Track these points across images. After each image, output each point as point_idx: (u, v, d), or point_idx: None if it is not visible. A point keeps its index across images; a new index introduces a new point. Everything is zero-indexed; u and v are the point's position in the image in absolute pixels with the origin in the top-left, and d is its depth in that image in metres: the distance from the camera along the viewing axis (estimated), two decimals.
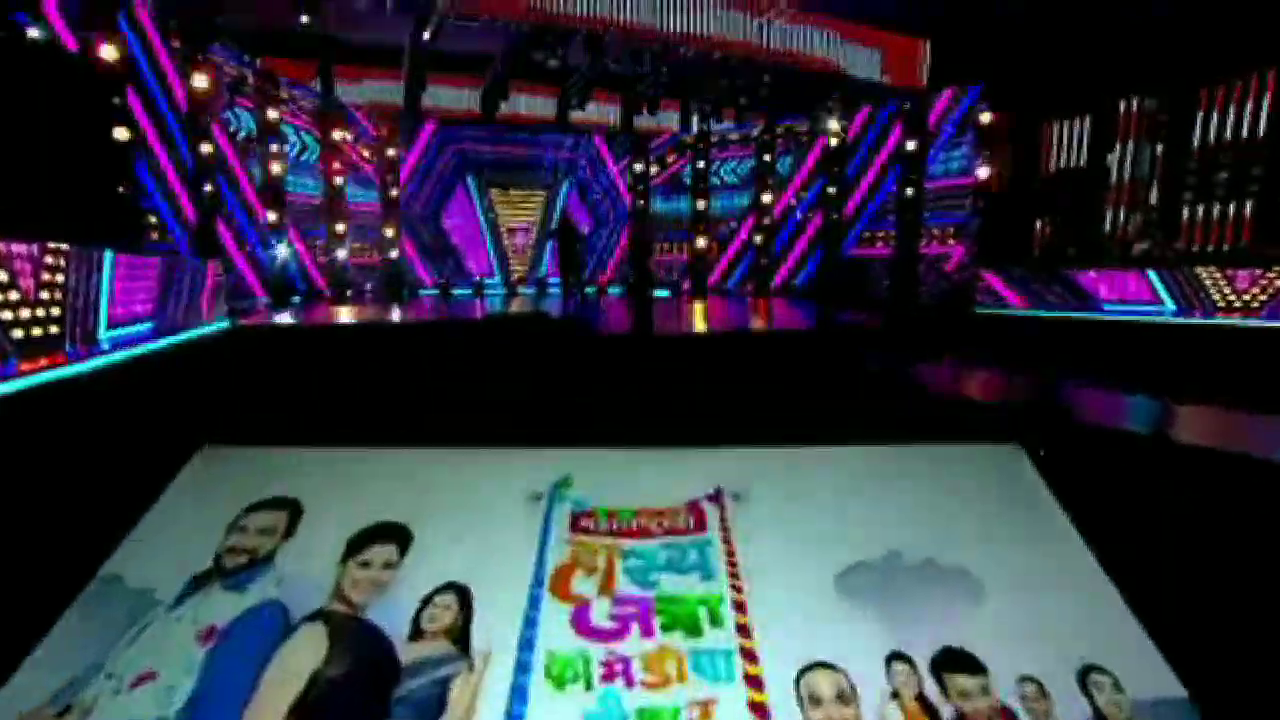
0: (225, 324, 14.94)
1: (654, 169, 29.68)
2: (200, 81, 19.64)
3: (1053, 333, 19.37)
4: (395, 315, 17.92)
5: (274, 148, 22.97)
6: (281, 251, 22.65)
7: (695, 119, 28.63)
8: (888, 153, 25.70)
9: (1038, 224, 23.53)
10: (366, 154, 26.59)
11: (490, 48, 24.93)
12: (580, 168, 28.73)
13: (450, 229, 28.34)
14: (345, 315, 17.85)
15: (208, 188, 20.24)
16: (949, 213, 24.32)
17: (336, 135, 25.52)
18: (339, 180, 25.36)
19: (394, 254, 26.96)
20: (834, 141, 26.85)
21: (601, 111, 28.57)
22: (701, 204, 27.93)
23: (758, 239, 27.80)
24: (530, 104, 28.28)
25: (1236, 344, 15.35)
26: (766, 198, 27.37)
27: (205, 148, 20.43)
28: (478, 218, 28.05)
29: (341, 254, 25.43)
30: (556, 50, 22.25)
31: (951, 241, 24.34)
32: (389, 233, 26.64)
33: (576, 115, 27.84)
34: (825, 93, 25.86)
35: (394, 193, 26.79)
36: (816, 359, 12.11)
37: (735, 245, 29.02)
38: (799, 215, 27.36)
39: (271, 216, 22.94)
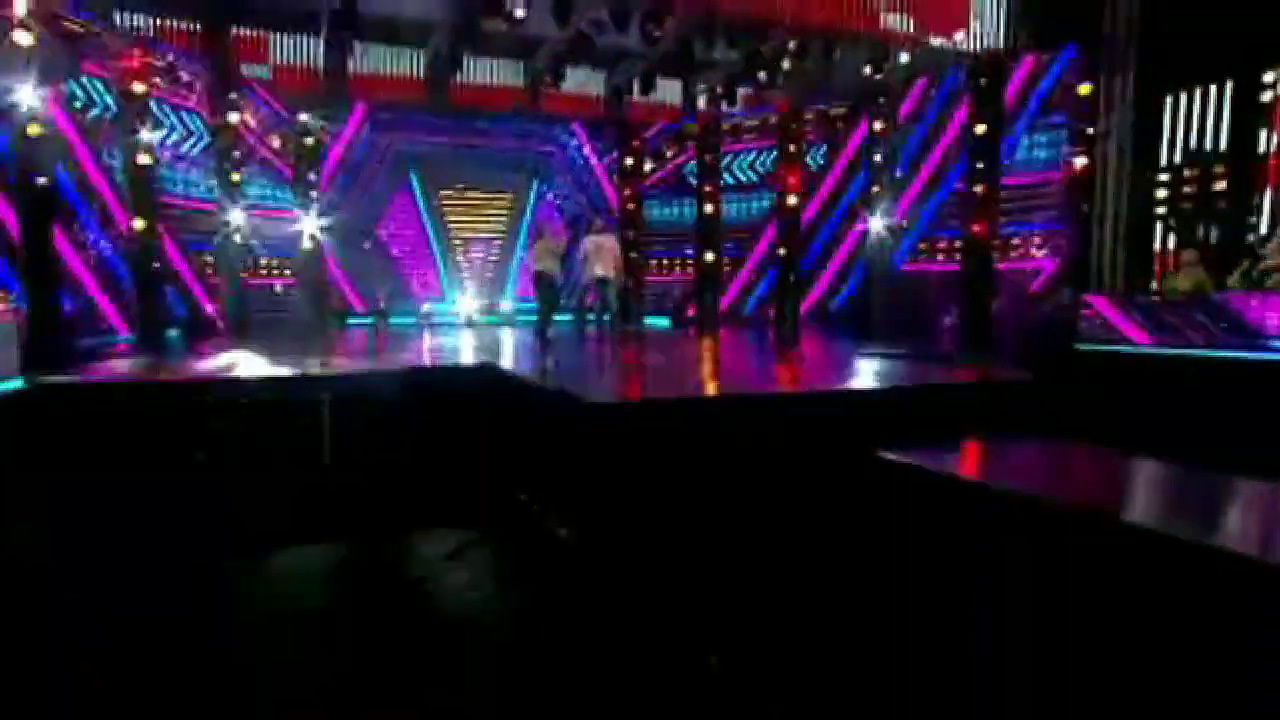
0: (18, 383, 10.12)
1: (648, 165, 24.69)
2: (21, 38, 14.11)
3: (1213, 380, 13.68)
4: (287, 361, 12.47)
5: (144, 133, 17.53)
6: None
7: (701, 99, 23.20)
8: (950, 138, 20.21)
9: (1158, 229, 17.97)
10: (277, 144, 21.12)
11: (435, 9, 19.63)
12: (554, 164, 24.36)
13: (388, 241, 22.87)
14: (215, 361, 12.60)
15: (41, 180, 14.75)
16: (1034, 216, 18.83)
17: (233, 118, 19.99)
18: (237, 177, 19.89)
19: (312, 275, 21.46)
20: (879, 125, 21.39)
21: (582, 89, 23.14)
22: (709, 208, 22.34)
23: (781, 251, 22.24)
24: (489, 81, 22.87)
25: None
26: (792, 200, 21.77)
27: (33, 128, 14.90)
28: (424, 227, 23.51)
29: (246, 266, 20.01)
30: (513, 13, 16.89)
31: (1038, 253, 18.81)
32: (307, 245, 21.15)
33: (551, 97, 22.49)
34: (869, 62, 20.38)
35: (314, 195, 21.32)
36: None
37: (753, 259, 23.53)
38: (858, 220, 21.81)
39: (138, 224, 17.48)
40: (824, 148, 22.95)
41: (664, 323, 24.03)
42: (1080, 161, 18.26)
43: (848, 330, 20.41)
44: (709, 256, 23.33)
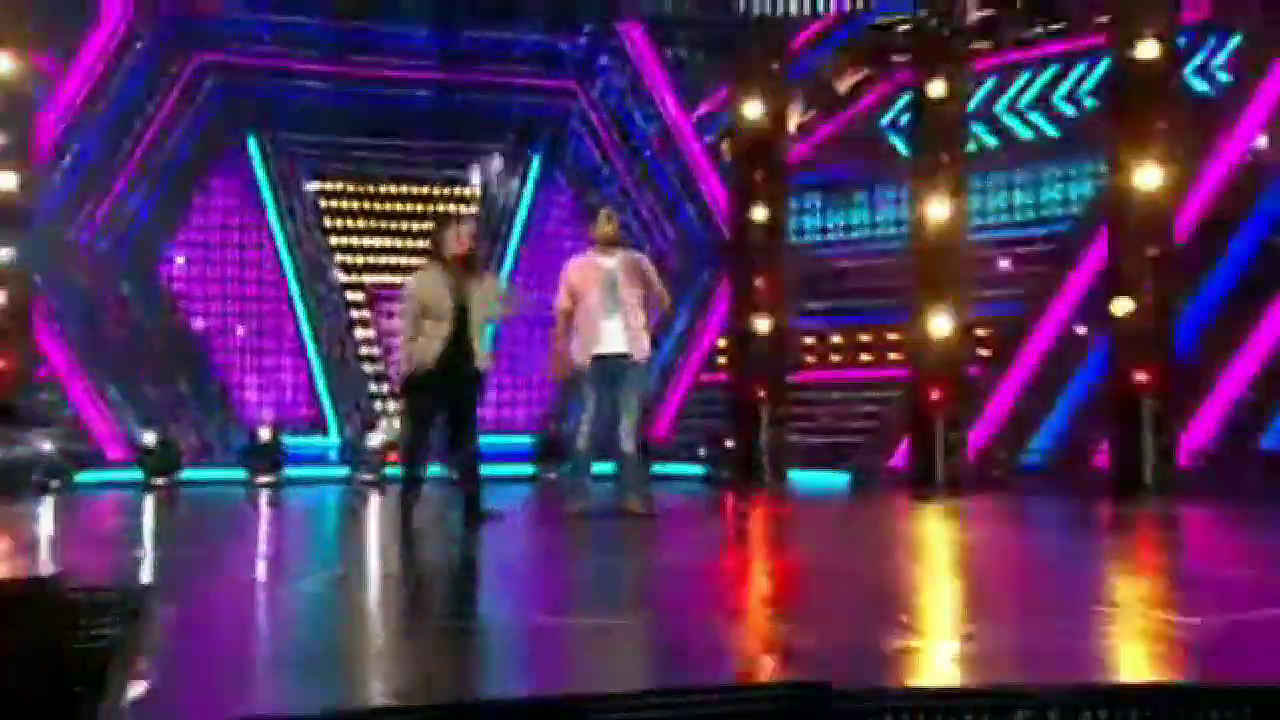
0: None
1: (795, 116, 13.60)
2: None
3: None
4: None
5: None
6: None
7: None
8: None
9: None
10: None
11: None
12: (575, 120, 15.43)
13: (179, 278, 14.28)
14: None
15: None
16: None
17: None
18: None
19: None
20: None
21: None
22: (940, 208, 11.34)
23: (1121, 306, 10.44)
24: None
25: None
26: (1146, 178, 8.72)
27: None
28: (277, 258, 14.26)
29: None
30: None
31: None
32: None
33: None
34: None
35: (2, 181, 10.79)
36: None
37: (1047, 327, 10.54)
38: None
39: None
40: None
41: (832, 480, 12.41)
42: None
43: None
44: (938, 327, 11.15)
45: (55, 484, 10.72)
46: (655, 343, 8.53)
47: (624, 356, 7.49)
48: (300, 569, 5.26)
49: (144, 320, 13.18)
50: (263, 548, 6.64)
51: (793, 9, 12.81)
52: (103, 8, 12.60)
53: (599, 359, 7.47)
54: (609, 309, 7.52)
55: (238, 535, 7.63)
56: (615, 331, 7.51)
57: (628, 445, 7.53)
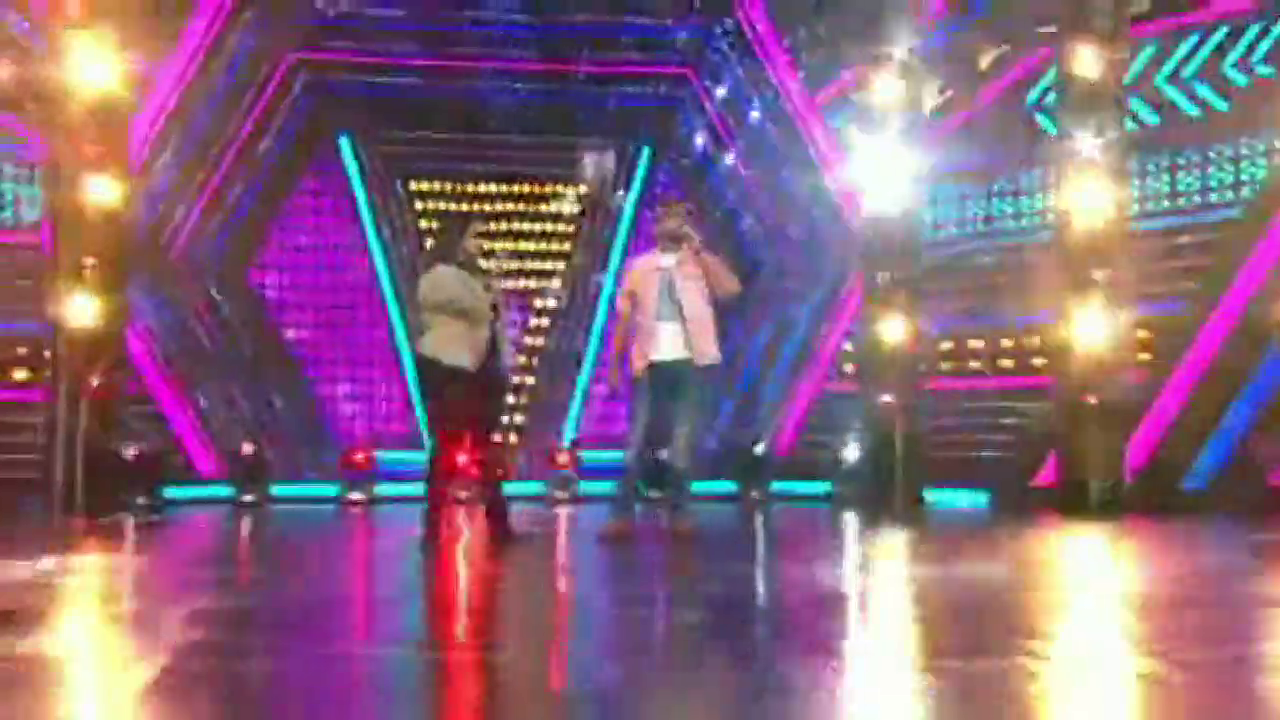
0: None
1: (936, 95, 12.49)
2: None
3: None
4: None
5: None
6: None
7: None
8: None
9: None
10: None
11: None
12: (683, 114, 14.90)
13: (271, 285, 13.92)
14: None
15: None
16: None
17: None
18: None
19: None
20: None
21: None
22: (1090, 197, 10.18)
23: None
24: None
25: None
26: None
27: None
28: (370, 264, 13.85)
29: None
30: None
31: None
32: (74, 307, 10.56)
33: None
34: None
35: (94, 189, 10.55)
36: None
37: (1216, 332, 9.49)
38: None
39: None
40: None
41: (969, 499, 11.50)
42: None
43: None
44: (1090, 329, 10.01)
45: (147, 499, 10.71)
46: (724, 340, 7.79)
47: (684, 362, 7.18)
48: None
49: (235, 329, 12.82)
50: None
51: None
52: (195, 12, 11.92)
53: (655, 365, 7.17)
54: (667, 313, 7.21)
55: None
56: (673, 335, 7.23)
57: (680, 461, 7.21)
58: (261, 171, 13.20)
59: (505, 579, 5.75)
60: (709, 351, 7.24)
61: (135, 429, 10.34)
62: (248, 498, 10.92)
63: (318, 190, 14.10)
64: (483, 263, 6.70)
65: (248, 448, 11.33)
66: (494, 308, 6.39)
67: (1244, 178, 10.47)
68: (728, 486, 12.12)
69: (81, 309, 10.25)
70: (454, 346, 6.13)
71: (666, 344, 7.24)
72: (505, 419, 11.22)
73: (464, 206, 13.93)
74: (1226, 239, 10.39)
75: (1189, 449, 10.59)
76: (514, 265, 13.07)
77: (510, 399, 11.77)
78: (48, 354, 10.11)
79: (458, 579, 5.94)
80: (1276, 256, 9.52)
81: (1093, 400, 10.13)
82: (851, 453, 11.70)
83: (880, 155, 11.63)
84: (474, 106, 13.53)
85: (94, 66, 10.47)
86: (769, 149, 13.87)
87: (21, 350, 10.89)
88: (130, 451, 9.76)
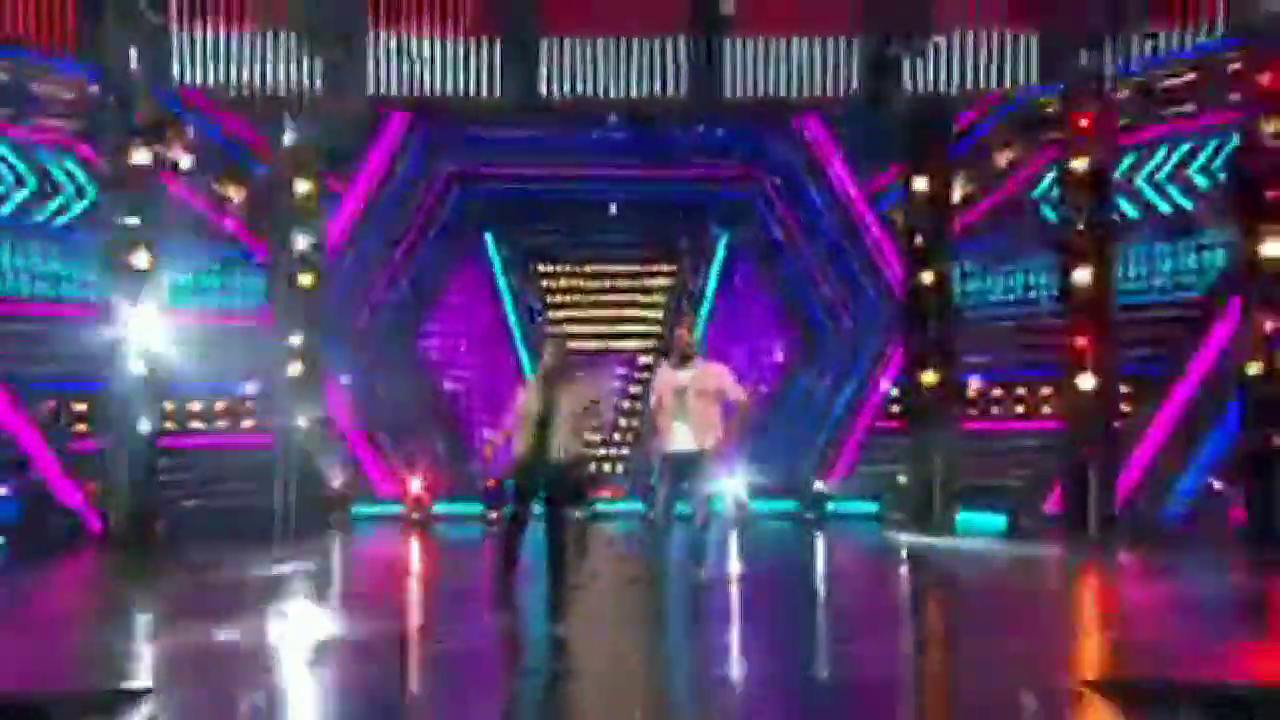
0: None
1: (958, 188, 14.48)
2: None
3: None
4: None
5: None
6: None
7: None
8: None
9: None
10: (231, 194, 13.66)
11: None
12: (758, 204, 16.97)
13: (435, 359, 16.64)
14: None
15: None
16: None
17: (142, 158, 12.24)
18: (146, 260, 12.03)
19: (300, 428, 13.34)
20: None
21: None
22: (1084, 274, 12.56)
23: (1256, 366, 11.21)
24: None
25: None
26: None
27: None
28: (506, 331, 16.62)
29: None
30: None
31: None
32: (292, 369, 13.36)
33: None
34: None
35: (302, 279, 13.41)
36: None
37: (1185, 387, 11.70)
38: None
39: None
40: None
41: (991, 522, 13.35)
42: None
43: None
44: (1085, 382, 12.29)
45: (340, 516, 13.71)
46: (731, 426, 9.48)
47: (694, 452, 8.96)
48: None
49: (407, 385, 15.45)
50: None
51: (954, 89, 13.92)
52: (378, 138, 14.71)
53: (670, 455, 9.01)
54: (679, 414, 8.97)
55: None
56: (684, 432, 8.95)
57: (696, 519, 9.10)
58: (426, 259, 15.78)
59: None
60: (713, 439, 8.96)
61: (333, 463, 13.19)
62: (414, 516, 13.58)
63: (468, 273, 16.54)
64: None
65: (416, 477, 13.80)
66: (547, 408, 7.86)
67: (1205, 264, 12.41)
68: (789, 505, 14.64)
69: (294, 371, 13.23)
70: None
71: (679, 439, 8.96)
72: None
73: (580, 283, 16.45)
74: (1193, 314, 12.37)
75: (1166, 485, 12.46)
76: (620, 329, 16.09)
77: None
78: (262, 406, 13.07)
79: None
80: (1234, 328, 11.52)
81: (1089, 444, 12.28)
82: (897, 480, 14.13)
83: (919, 236, 14.10)
84: (587, 204, 16.02)
85: (301, 183, 13.40)
86: (828, 231, 15.84)
87: (248, 404, 13.59)
88: (335, 483, 12.64)
